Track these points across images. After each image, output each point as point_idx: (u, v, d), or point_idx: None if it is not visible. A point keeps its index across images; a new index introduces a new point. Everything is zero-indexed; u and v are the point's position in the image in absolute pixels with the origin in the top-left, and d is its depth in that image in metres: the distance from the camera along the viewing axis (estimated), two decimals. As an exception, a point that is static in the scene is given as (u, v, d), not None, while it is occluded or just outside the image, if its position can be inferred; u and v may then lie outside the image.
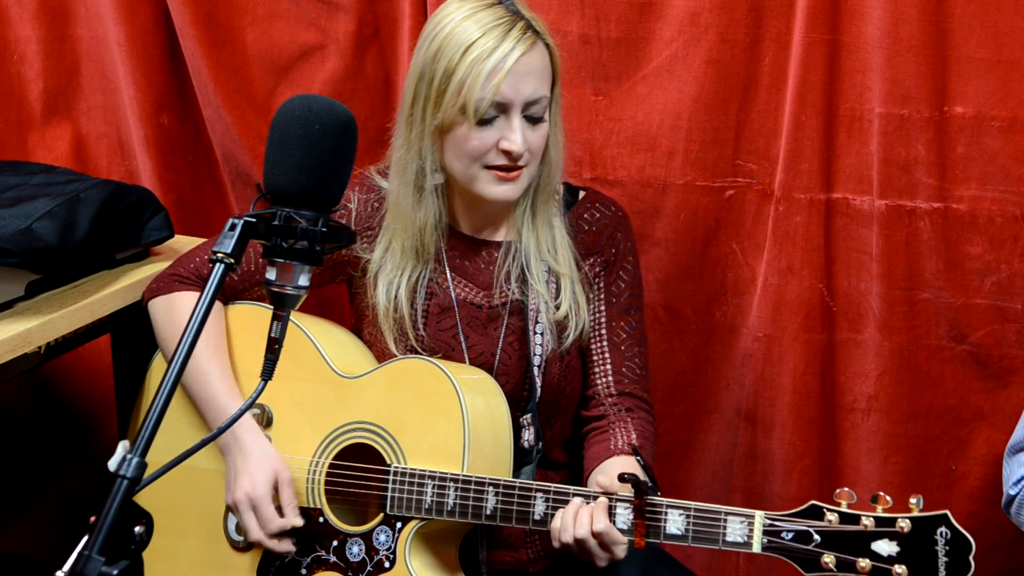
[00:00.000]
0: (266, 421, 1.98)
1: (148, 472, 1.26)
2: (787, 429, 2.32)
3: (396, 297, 1.96)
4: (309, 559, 1.93)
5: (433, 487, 1.83)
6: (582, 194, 2.07)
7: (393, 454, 1.88)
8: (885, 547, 1.57)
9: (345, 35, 2.46)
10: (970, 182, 2.16)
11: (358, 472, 1.91)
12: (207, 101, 2.53)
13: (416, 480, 1.84)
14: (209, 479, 1.99)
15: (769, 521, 1.64)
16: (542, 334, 1.98)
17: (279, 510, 1.90)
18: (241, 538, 1.97)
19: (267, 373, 1.38)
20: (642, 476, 1.71)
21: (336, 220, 1.40)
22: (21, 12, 2.60)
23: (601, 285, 2.02)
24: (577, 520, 1.72)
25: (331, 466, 1.92)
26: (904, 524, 1.56)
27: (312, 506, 1.93)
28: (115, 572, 1.20)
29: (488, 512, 1.81)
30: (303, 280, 1.38)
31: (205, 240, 2.20)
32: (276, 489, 1.90)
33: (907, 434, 2.26)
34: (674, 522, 1.69)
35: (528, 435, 1.96)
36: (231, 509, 1.94)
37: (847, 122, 2.19)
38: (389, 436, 1.88)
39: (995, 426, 2.23)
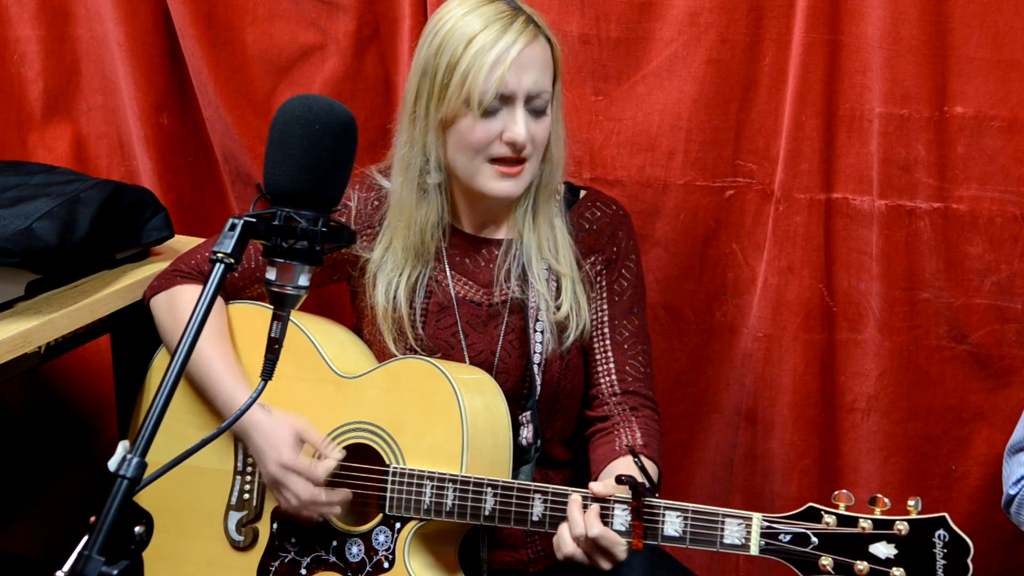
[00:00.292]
0: (266, 421, 1.99)
1: (148, 472, 1.26)
2: (787, 429, 2.32)
3: (395, 297, 1.97)
4: (309, 559, 1.93)
5: (432, 488, 1.83)
6: (583, 193, 2.07)
7: (392, 454, 1.88)
8: (883, 550, 1.57)
9: (345, 35, 2.46)
10: (970, 182, 2.15)
11: (357, 472, 1.91)
12: (207, 101, 2.53)
13: (415, 480, 1.84)
14: (209, 479, 1.99)
15: (767, 523, 1.64)
16: (542, 332, 1.98)
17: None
18: (241, 538, 1.97)
19: (267, 373, 1.38)
20: (639, 478, 1.71)
21: (336, 220, 1.40)
22: (21, 12, 2.60)
23: (603, 284, 2.02)
24: (572, 526, 1.73)
25: (331, 466, 1.93)
26: (902, 526, 1.56)
27: (312, 506, 1.94)
28: (115, 572, 1.20)
29: (487, 513, 1.81)
30: (303, 280, 1.38)
31: (206, 240, 2.20)
32: (302, 443, 1.90)
33: (907, 434, 2.26)
34: (672, 524, 1.69)
35: (527, 433, 1.96)
36: (271, 489, 1.92)
37: (847, 122, 2.19)
38: (388, 436, 1.89)
39: (995, 426, 2.23)
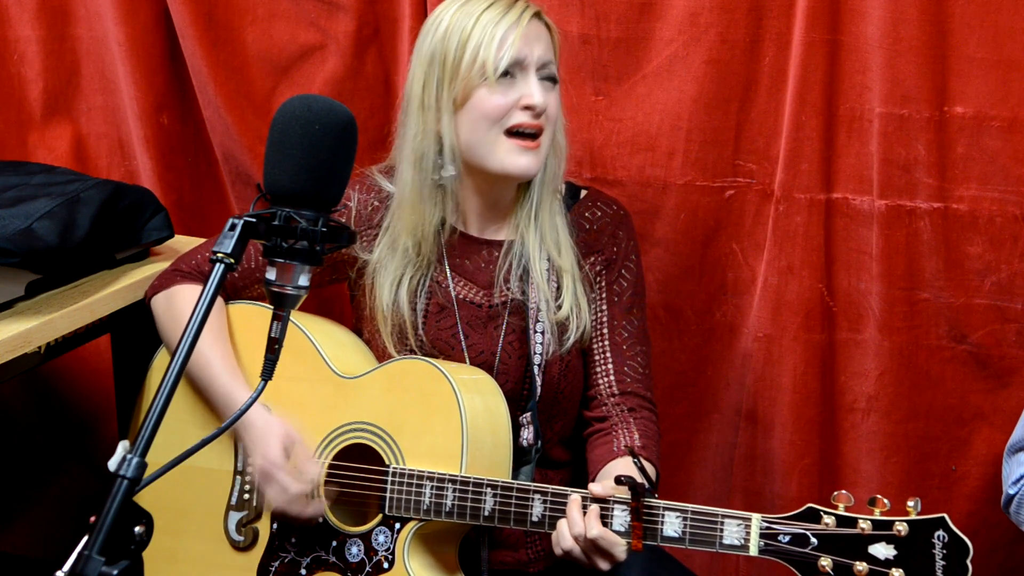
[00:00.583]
0: (266, 421, 1.99)
1: (148, 472, 1.26)
2: (787, 429, 2.32)
3: (396, 298, 1.97)
4: (308, 559, 1.93)
5: (431, 488, 1.83)
6: (583, 193, 2.07)
7: (392, 455, 1.88)
8: (882, 550, 1.57)
9: (345, 35, 2.46)
10: (970, 182, 2.15)
11: (357, 473, 1.91)
12: (207, 101, 2.53)
13: (414, 481, 1.84)
14: (209, 479, 1.99)
15: (766, 524, 1.64)
16: (542, 333, 1.98)
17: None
18: (241, 538, 1.97)
19: (267, 373, 1.38)
20: (638, 478, 1.71)
21: (336, 220, 1.41)
22: (21, 12, 2.60)
23: (603, 284, 2.02)
24: (571, 525, 1.73)
25: (330, 466, 1.92)
26: (901, 527, 1.56)
27: (312, 506, 1.94)
28: (115, 572, 1.20)
29: (486, 513, 1.81)
30: (303, 280, 1.38)
31: (206, 240, 2.20)
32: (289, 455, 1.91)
33: (907, 434, 2.26)
34: (671, 524, 1.69)
35: (527, 434, 1.96)
36: (260, 484, 1.93)
37: (847, 122, 2.19)
38: (388, 437, 1.89)
39: (995, 426, 2.23)
